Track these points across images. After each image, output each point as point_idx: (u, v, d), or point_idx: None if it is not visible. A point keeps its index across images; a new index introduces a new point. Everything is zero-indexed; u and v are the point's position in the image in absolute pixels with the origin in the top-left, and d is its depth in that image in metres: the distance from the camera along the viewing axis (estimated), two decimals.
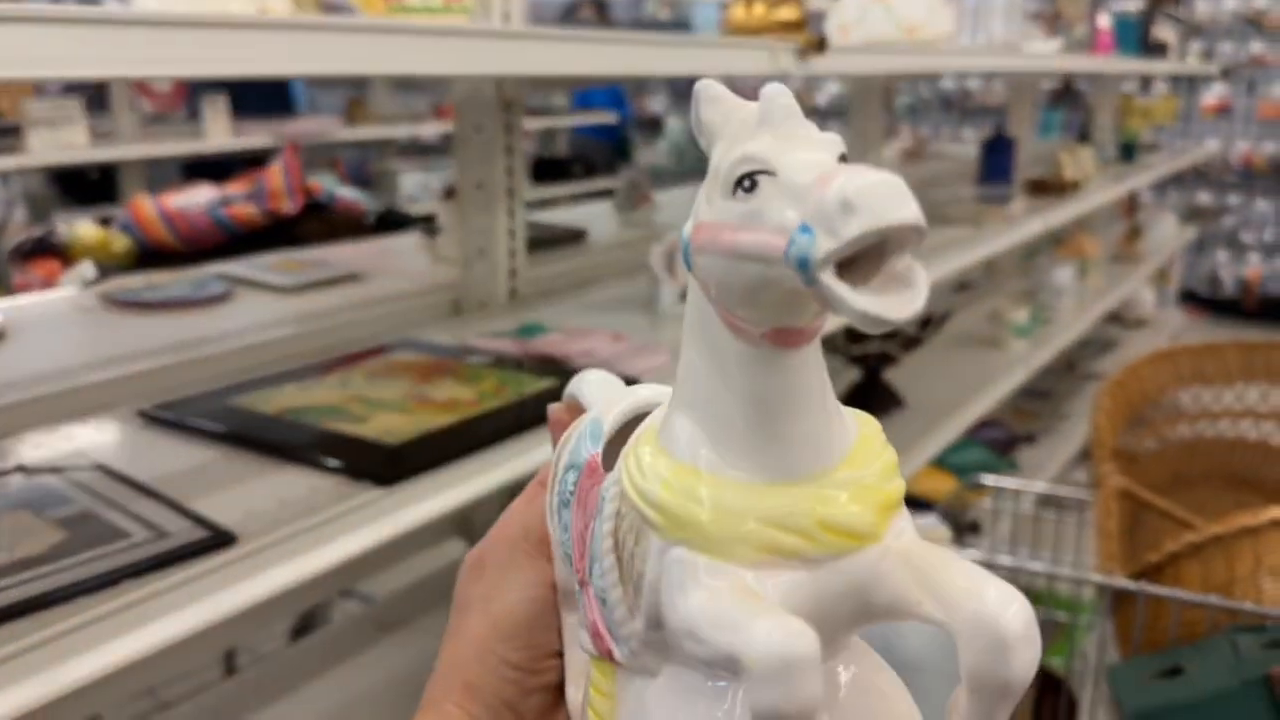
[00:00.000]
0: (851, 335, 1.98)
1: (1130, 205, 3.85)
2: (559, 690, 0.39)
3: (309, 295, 1.41)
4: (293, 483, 0.79)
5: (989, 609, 0.26)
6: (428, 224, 1.86)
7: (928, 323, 1.96)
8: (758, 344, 0.28)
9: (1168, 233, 3.78)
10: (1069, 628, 1.24)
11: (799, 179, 0.25)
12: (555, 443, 0.39)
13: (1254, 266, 5.47)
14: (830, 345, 2.06)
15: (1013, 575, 0.95)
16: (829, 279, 0.24)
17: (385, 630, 1.23)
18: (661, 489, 0.29)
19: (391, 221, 2.28)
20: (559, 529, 0.36)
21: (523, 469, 0.87)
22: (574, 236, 1.78)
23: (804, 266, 0.24)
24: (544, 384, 0.98)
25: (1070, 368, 3.00)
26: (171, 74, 0.94)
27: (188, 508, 0.71)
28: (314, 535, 0.72)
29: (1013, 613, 0.26)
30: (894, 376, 2.07)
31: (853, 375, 2.09)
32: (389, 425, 0.87)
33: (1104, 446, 1.20)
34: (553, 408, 0.42)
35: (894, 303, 0.25)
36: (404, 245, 1.81)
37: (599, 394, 0.39)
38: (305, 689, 1.17)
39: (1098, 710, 1.00)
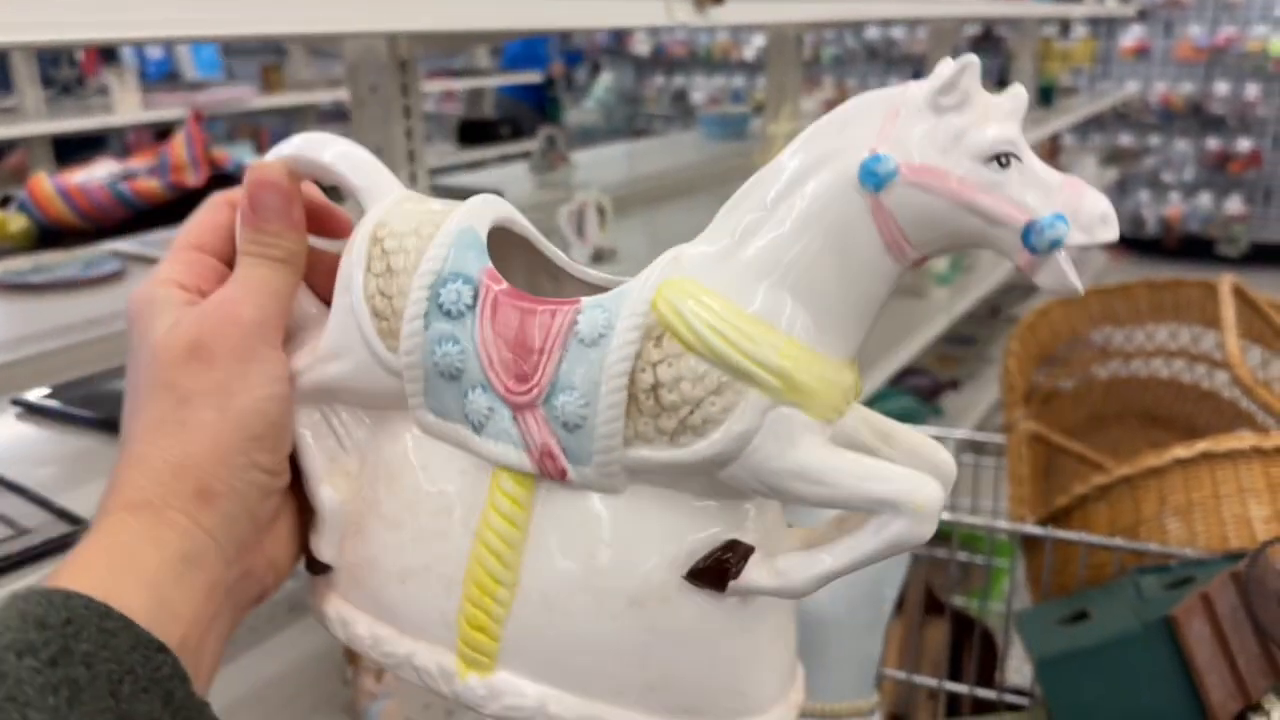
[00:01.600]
0: None
1: (1052, 149, 3.88)
2: (287, 492, 0.38)
3: None
4: None
5: (941, 455, 0.36)
6: (336, 192, 1.81)
7: None
8: (901, 263, 0.34)
9: (1089, 175, 3.83)
10: (988, 570, 1.25)
11: (1050, 178, 0.32)
12: (277, 210, 0.38)
13: (1174, 206, 5.57)
14: None
15: None
16: (1062, 258, 0.32)
17: (296, 612, 1.20)
18: (780, 358, 0.33)
19: None
20: (430, 340, 0.36)
21: None
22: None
23: (1038, 241, 0.32)
24: None
25: (994, 313, 3.03)
26: (35, 40, 0.88)
27: (52, 501, 0.68)
28: None
29: (951, 462, 0.36)
30: None
31: None
32: None
33: (1015, 391, 1.20)
34: (272, 167, 0.39)
35: (1078, 277, 0.33)
36: None
37: (373, 176, 0.40)
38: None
39: (1015, 653, 1.00)
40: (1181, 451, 0.90)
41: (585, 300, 0.35)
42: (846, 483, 0.33)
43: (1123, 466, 0.92)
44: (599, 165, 2.12)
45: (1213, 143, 5.49)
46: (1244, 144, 5.42)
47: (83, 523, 0.65)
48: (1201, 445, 0.90)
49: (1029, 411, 1.23)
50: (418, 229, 0.37)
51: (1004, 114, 0.33)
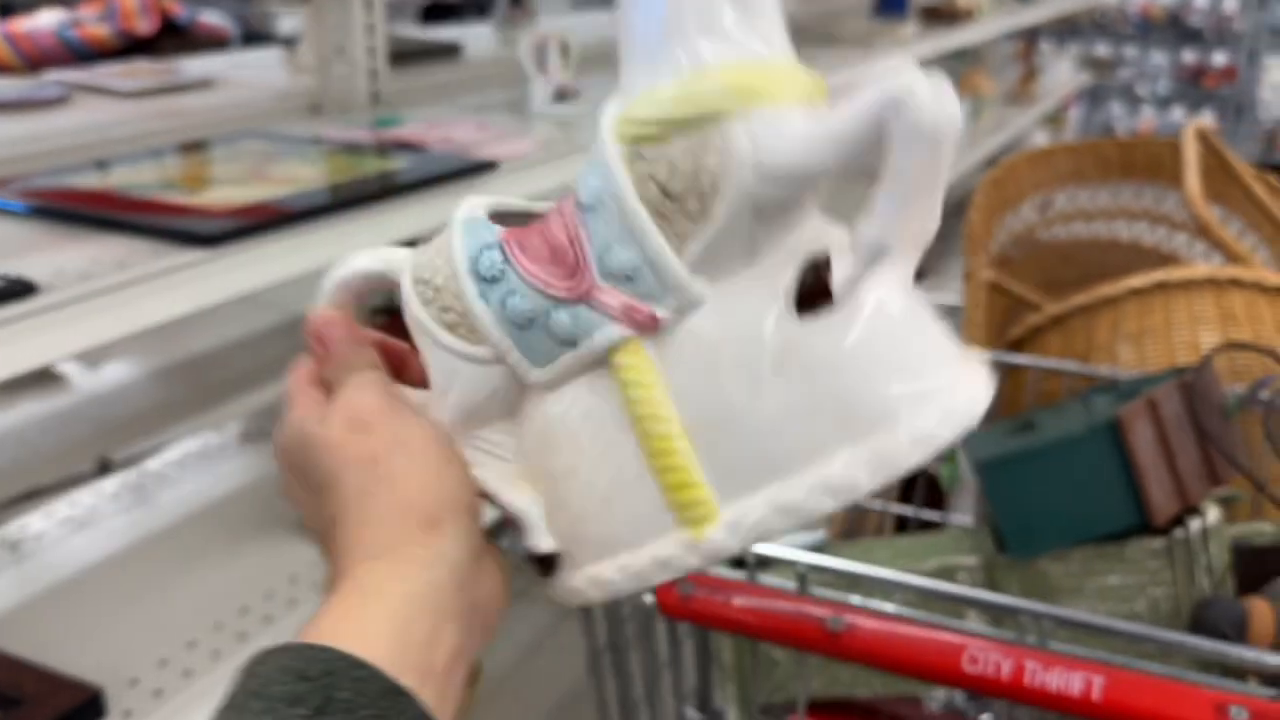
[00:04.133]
0: None
1: (1027, 49, 3.85)
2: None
3: (154, 100, 1.32)
4: (108, 246, 0.73)
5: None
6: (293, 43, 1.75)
7: None
8: None
9: (1063, 76, 3.80)
10: None
11: None
12: (342, 338, 0.44)
13: (1147, 119, 5.55)
14: None
15: None
16: None
17: (250, 440, 1.19)
18: (720, 79, 0.36)
19: (260, 43, 2.14)
20: (495, 306, 0.40)
21: (370, 239, 0.83)
22: (447, 51, 1.69)
23: None
24: (395, 164, 0.92)
25: (961, 207, 3.01)
26: None
27: None
28: (127, 293, 0.67)
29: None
30: None
31: None
32: (223, 196, 0.81)
33: (976, 240, 1.19)
34: (321, 312, 0.46)
35: None
36: (266, 58, 1.71)
37: (392, 256, 0.45)
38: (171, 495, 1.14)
39: (963, 491, 1.01)
40: (1137, 281, 0.90)
41: (575, 187, 0.39)
42: (848, 116, 0.35)
43: (1078, 297, 0.92)
44: (567, 24, 2.06)
45: (1189, 55, 5.45)
46: (1220, 58, 5.39)
47: (15, 279, 0.63)
48: (1158, 275, 0.90)
49: (988, 262, 1.22)
50: (436, 250, 0.42)
51: None
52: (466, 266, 0.40)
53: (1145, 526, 0.75)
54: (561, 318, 0.39)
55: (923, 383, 0.36)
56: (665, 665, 0.86)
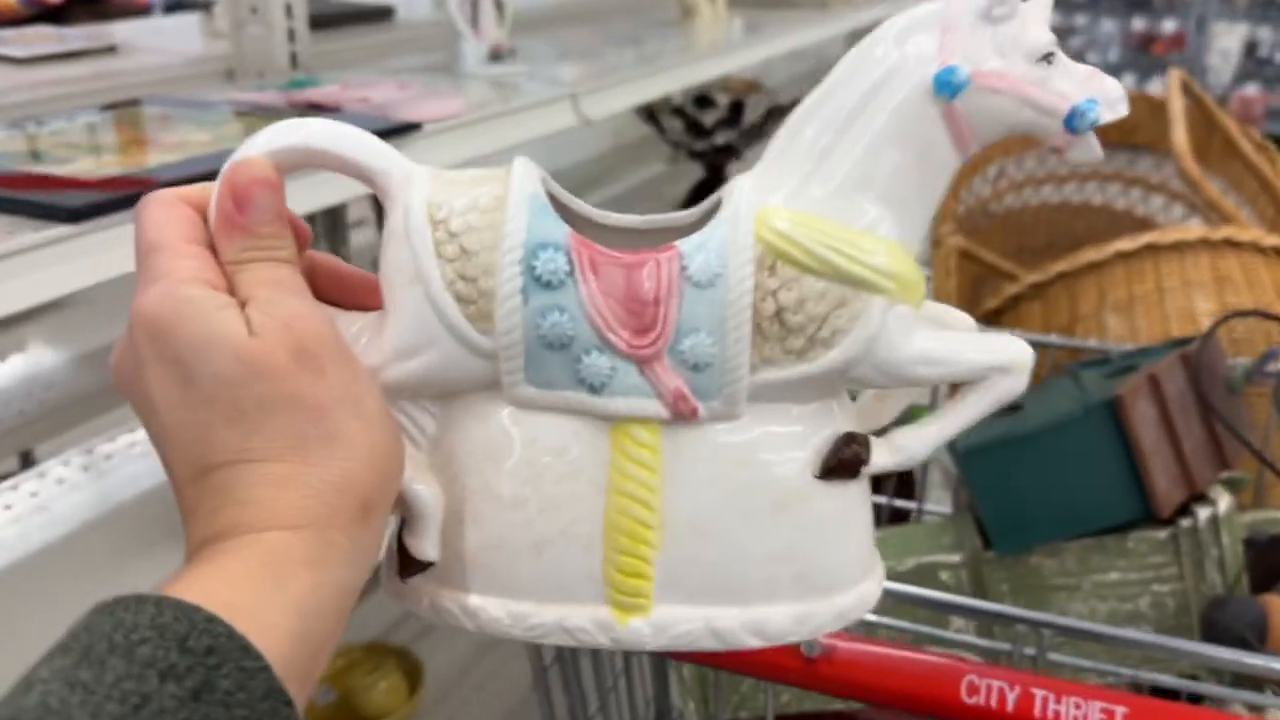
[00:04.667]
0: (694, 128, 1.85)
1: None
2: None
3: (50, 67, 1.20)
4: None
5: (968, 319, 0.43)
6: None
7: (773, 111, 1.85)
8: (964, 156, 0.38)
9: None
10: None
11: (1078, 69, 0.38)
12: (271, 208, 0.35)
13: None
14: (673, 142, 1.94)
15: None
16: (1091, 133, 0.38)
17: None
18: (891, 262, 0.37)
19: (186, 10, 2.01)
20: (533, 313, 0.36)
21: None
22: (378, 13, 1.58)
23: (1079, 123, 0.37)
24: None
25: None
26: None
27: None
28: None
29: (973, 322, 0.42)
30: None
31: (695, 173, 1.98)
32: (95, 166, 0.70)
33: (944, 206, 1.11)
34: (259, 162, 0.36)
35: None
36: (182, 24, 1.59)
37: (382, 153, 0.38)
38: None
39: (932, 469, 0.94)
40: (1125, 244, 0.83)
41: (680, 245, 0.37)
42: (959, 358, 0.38)
43: (1059, 263, 0.85)
44: None
45: (1138, 23, 5.43)
46: (1169, 25, 5.38)
47: None
48: (1146, 237, 0.82)
49: (956, 229, 1.15)
50: (476, 203, 0.37)
51: (1039, 18, 0.37)
52: (520, 255, 0.36)
53: (1148, 516, 0.68)
54: (600, 363, 0.37)
55: (865, 566, 0.41)
56: (619, 676, 0.77)
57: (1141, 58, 5.51)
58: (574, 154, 1.95)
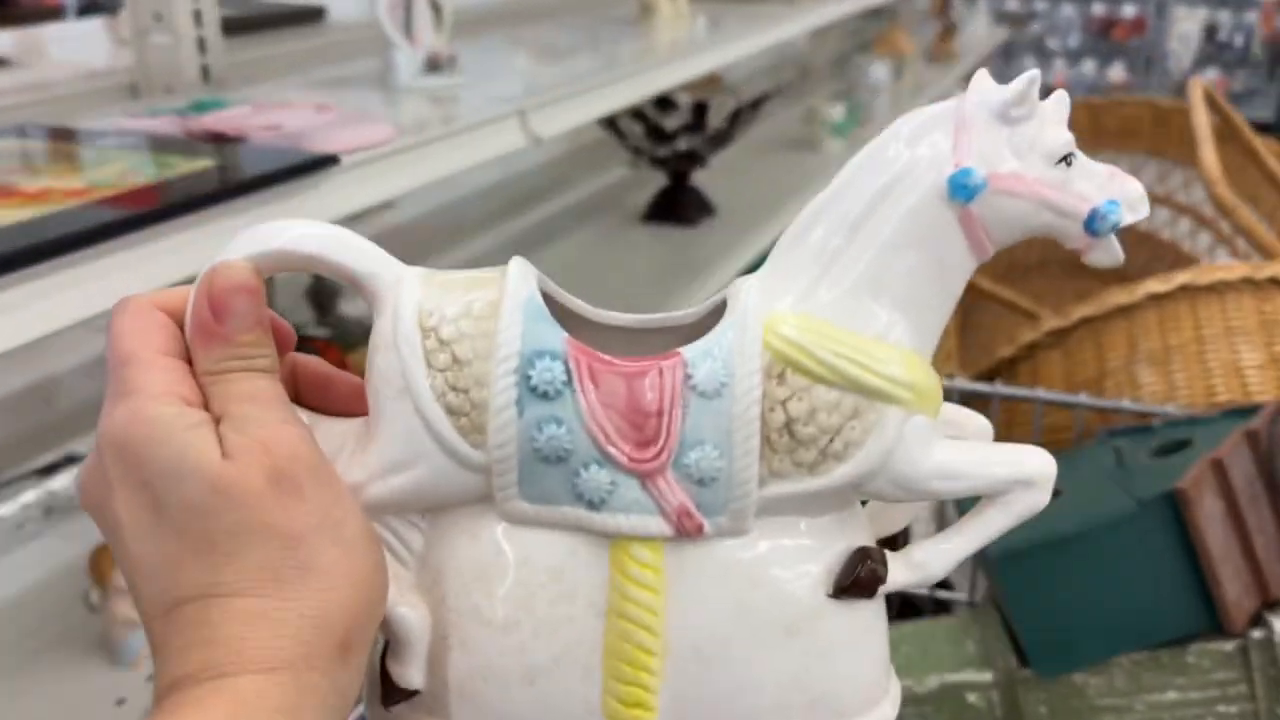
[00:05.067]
0: (655, 133, 1.73)
1: (943, 4, 3.75)
2: None
3: None
4: None
5: (980, 420, 0.40)
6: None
7: (738, 114, 1.73)
8: (981, 259, 0.37)
9: (981, 32, 3.71)
10: None
11: (1098, 169, 0.36)
12: (251, 316, 0.34)
13: (1059, 72, 5.48)
14: (633, 148, 1.82)
15: None
16: (1112, 236, 0.36)
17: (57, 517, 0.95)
18: (906, 371, 0.35)
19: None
20: (528, 426, 0.34)
21: (151, 279, 0.60)
22: (306, 16, 1.44)
23: (1100, 226, 0.35)
24: (196, 164, 0.69)
25: None
26: None
27: None
28: None
29: (988, 423, 0.40)
30: (704, 182, 1.84)
31: (658, 181, 1.86)
32: None
33: None
34: (239, 267, 0.34)
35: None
36: (92, 29, 1.45)
37: (370, 256, 0.36)
38: None
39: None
40: (1156, 285, 0.72)
41: (684, 352, 0.35)
42: (980, 472, 0.36)
43: (1083, 307, 0.74)
44: None
45: (1098, 7, 5.38)
46: (1129, 10, 5.34)
47: None
48: (1181, 277, 0.72)
49: None
50: (469, 309, 0.35)
51: (1058, 118, 0.36)
52: (515, 364, 0.35)
53: (1213, 627, 0.57)
54: (600, 477, 0.35)
55: (881, 688, 0.38)
56: None
57: (1102, 43, 5.47)
58: (522, 162, 1.82)
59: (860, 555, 0.37)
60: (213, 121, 0.79)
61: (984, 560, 0.59)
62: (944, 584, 0.76)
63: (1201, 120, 0.82)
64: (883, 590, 0.37)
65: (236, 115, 0.81)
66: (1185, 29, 5.37)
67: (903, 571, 0.37)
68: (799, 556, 0.36)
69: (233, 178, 0.65)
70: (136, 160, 0.70)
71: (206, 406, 0.32)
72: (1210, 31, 5.33)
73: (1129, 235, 1.06)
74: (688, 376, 0.34)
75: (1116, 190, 0.36)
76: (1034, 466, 0.36)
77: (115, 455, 0.31)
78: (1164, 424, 0.66)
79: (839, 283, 0.36)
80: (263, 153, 0.72)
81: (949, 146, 0.36)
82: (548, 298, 0.36)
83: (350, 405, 0.37)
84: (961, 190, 0.35)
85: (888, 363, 0.35)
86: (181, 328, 0.34)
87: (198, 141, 0.75)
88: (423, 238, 1.57)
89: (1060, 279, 1.24)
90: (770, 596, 0.36)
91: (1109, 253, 0.36)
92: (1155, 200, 1.16)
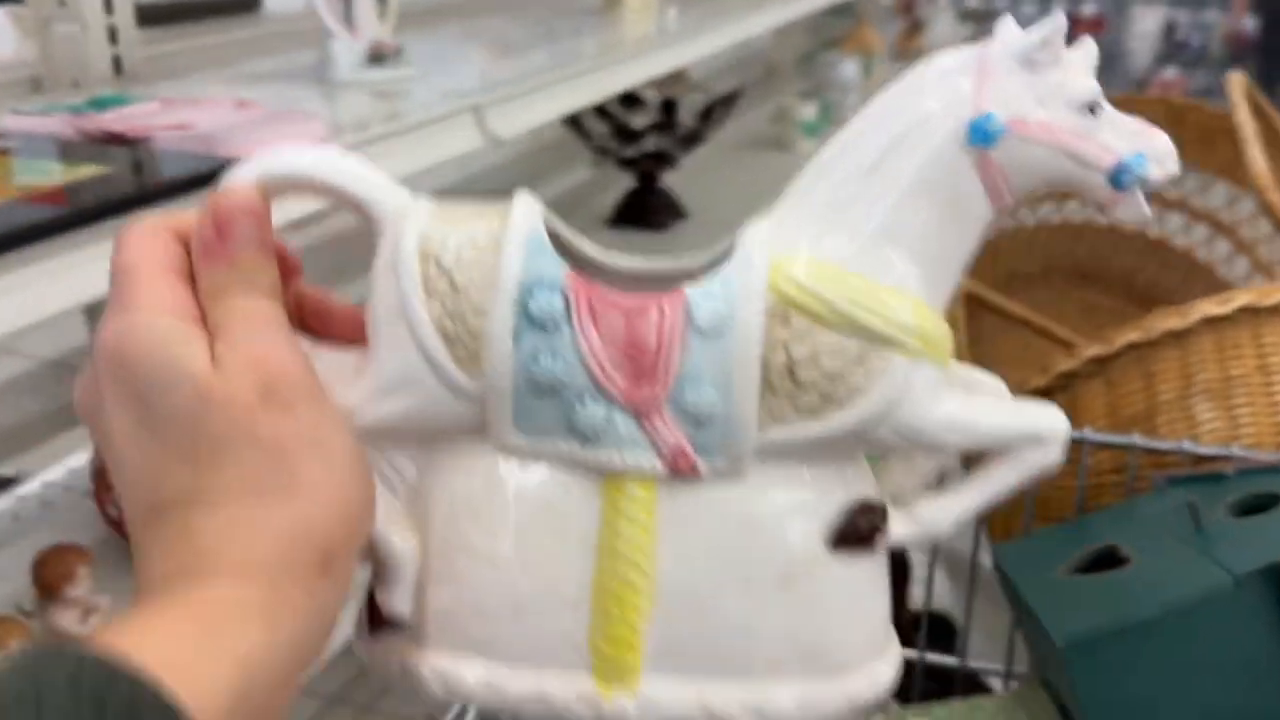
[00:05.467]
0: (622, 133, 1.62)
1: (909, 1, 3.71)
2: None
3: None
4: None
5: (1001, 385, 0.41)
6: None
7: (710, 112, 1.63)
8: (999, 208, 0.36)
9: (946, 29, 3.70)
10: None
11: (1126, 122, 0.36)
12: (254, 238, 0.34)
13: None
14: (598, 148, 1.71)
15: None
16: (1138, 191, 0.36)
17: None
18: (916, 318, 0.34)
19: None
20: (523, 356, 0.34)
21: (24, 313, 0.48)
22: (241, 4, 1.32)
23: (1126, 179, 0.35)
24: (85, 172, 0.57)
25: None
26: None
27: None
28: None
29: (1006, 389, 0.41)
30: (674, 185, 1.74)
31: (625, 183, 1.75)
32: None
33: None
34: (243, 190, 0.34)
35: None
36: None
37: (377, 184, 0.36)
38: None
39: (934, 574, 0.73)
40: (1213, 307, 0.62)
41: (687, 290, 0.34)
42: (989, 425, 0.36)
43: (1128, 331, 0.64)
44: None
45: (1059, 5, 5.38)
46: (1089, 7, 5.33)
47: None
48: (1243, 298, 0.62)
49: None
50: (472, 239, 0.35)
51: (1084, 67, 0.35)
52: (514, 293, 0.34)
53: None
54: (595, 411, 0.34)
55: (879, 645, 0.38)
56: None
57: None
58: (478, 162, 1.70)
59: (861, 507, 0.36)
60: (112, 120, 0.67)
61: (1032, 634, 0.49)
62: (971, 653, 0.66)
63: (1245, 118, 0.73)
64: (882, 543, 0.37)
65: (140, 113, 0.69)
66: (1144, 27, 5.37)
67: (904, 525, 0.37)
68: (797, 505, 0.36)
69: (117, 190, 0.53)
70: (10, 167, 0.58)
71: (207, 327, 0.32)
72: (1169, 30, 5.33)
73: (1132, 240, 0.96)
74: (689, 314, 0.34)
75: (1144, 144, 0.35)
76: (1045, 421, 0.36)
77: (109, 365, 0.32)
78: (1238, 473, 0.56)
79: (853, 230, 0.35)
80: (168, 155, 0.61)
81: (970, 91, 0.35)
82: (556, 238, 0.36)
83: (352, 337, 0.37)
84: (982, 135, 0.35)
85: (897, 309, 0.34)
86: (190, 252, 0.34)
87: (89, 144, 0.63)
88: (367, 249, 1.45)
89: (1063, 289, 1.16)
90: (765, 545, 0.36)
91: (1135, 209, 0.36)
92: (1168, 204, 1.07)
